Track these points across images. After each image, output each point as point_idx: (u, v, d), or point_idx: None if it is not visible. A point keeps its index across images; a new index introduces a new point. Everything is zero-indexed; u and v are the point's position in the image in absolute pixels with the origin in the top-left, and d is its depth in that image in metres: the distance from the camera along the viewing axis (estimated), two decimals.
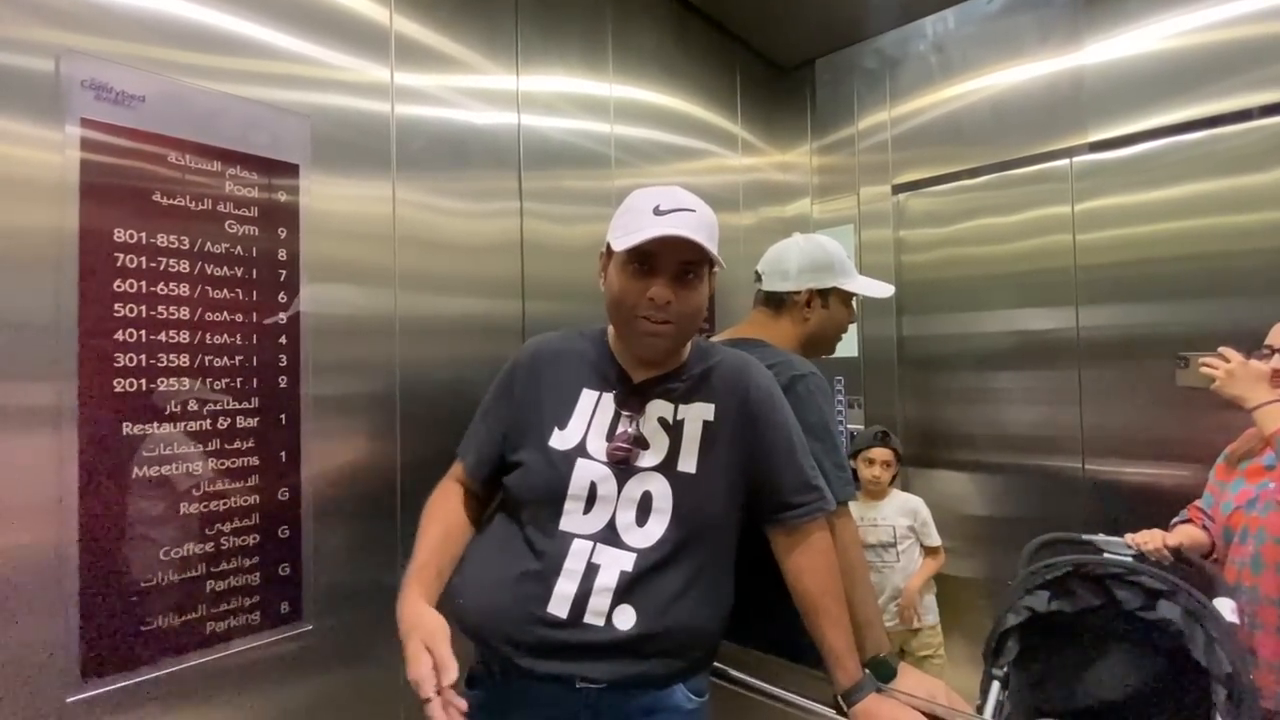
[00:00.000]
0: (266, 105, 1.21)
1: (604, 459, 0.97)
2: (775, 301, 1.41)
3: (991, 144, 2.28)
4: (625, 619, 0.90)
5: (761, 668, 1.17)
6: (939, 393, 2.47)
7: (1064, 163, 2.15)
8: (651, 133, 2.08)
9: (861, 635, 1.06)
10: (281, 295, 1.22)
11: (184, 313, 1.10)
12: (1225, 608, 1.25)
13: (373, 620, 1.29)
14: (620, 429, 0.99)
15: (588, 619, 0.90)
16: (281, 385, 1.22)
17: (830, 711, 1.03)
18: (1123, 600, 1.29)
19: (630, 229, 0.94)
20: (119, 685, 1.01)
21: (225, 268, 1.15)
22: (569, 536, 0.94)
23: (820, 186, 2.75)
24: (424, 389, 1.44)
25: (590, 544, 0.93)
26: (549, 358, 1.08)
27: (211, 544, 1.12)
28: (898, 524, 2.22)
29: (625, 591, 0.91)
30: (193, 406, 1.11)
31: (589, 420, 1.01)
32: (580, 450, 0.98)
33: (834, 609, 1.00)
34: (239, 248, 1.17)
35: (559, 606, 0.90)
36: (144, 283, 1.06)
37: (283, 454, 1.22)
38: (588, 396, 1.03)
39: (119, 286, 1.03)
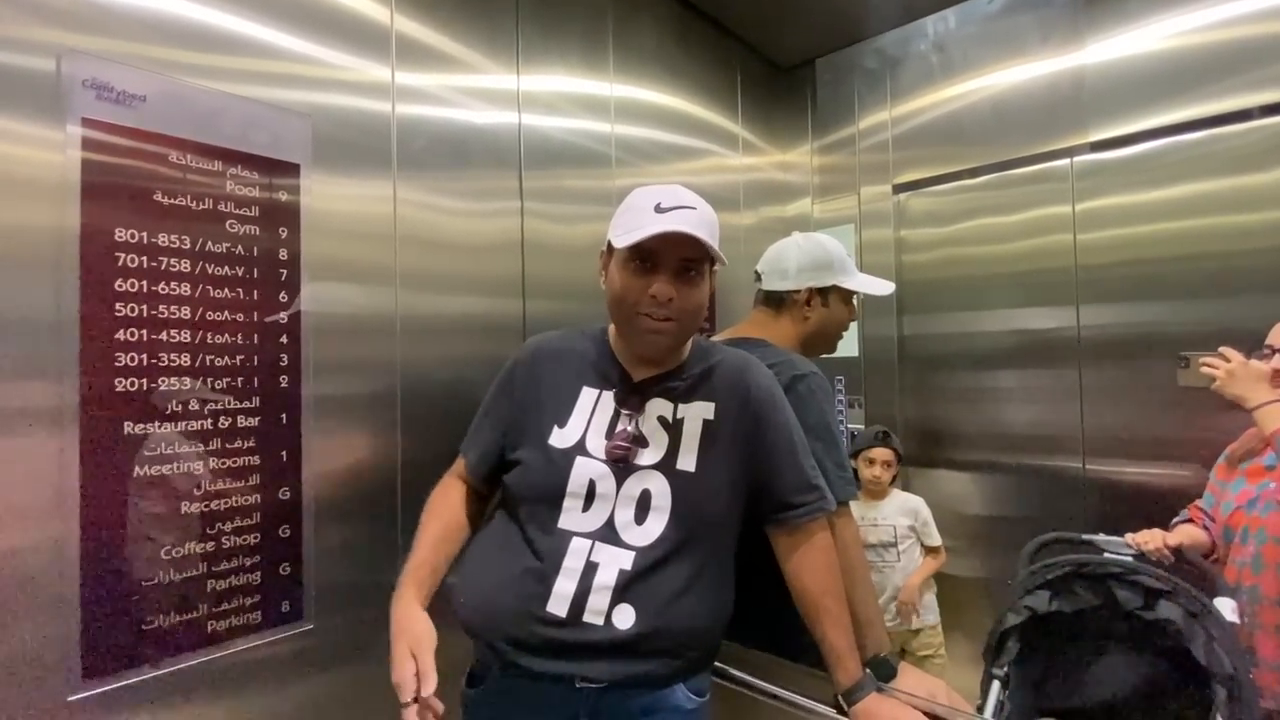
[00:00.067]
0: (267, 105, 1.21)
1: (603, 457, 0.97)
2: (775, 301, 1.41)
3: (992, 143, 2.28)
4: (624, 618, 0.90)
5: (762, 667, 1.17)
6: (940, 392, 2.47)
7: (1065, 162, 2.15)
8: (652, 132, 2.08)
9: (862, 635, 1.06)
10: (282, 295, 1.22)
11: (185, 312, 1.10)
12: (1226, 608, 1.25)
13: (373, 620, 1.27)
14: (620, 427, 0.99)
15: (587, 618, 0.90)
16: (282, 385, 1.22)
17: (831, 711, 1.03)
18: (1123, 600, 1.29)
19: (631, 227, 0.94)
20: (120, 684, 1.01)
21: (226, 267, 1.15)
22: (568, 535, 0.94)
23: (821, 186, 2.75)
24: (425, 388, 1.44)
25: (589, 542, 0.93)
26: (549, 356, 1.09)
27: (212, 543, 1.12)
28: (898, 524, 2.22)
29: (624, 590, 0.91)
30: (194, 406, 1.11)
31: (588, 418, 1.01)
32: (579, 448, 0.99)
33: (835, 608, 1.00)
34: (240, 247, 1.17)
35: (558, 605, 0.90)
36: (145, 282, 1.06)
37: (283, 453, 1.22)
38: (587, 395, 1.03)
39: (120, 286, 1.03)
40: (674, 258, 0.96)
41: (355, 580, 1.29)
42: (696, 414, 1.01)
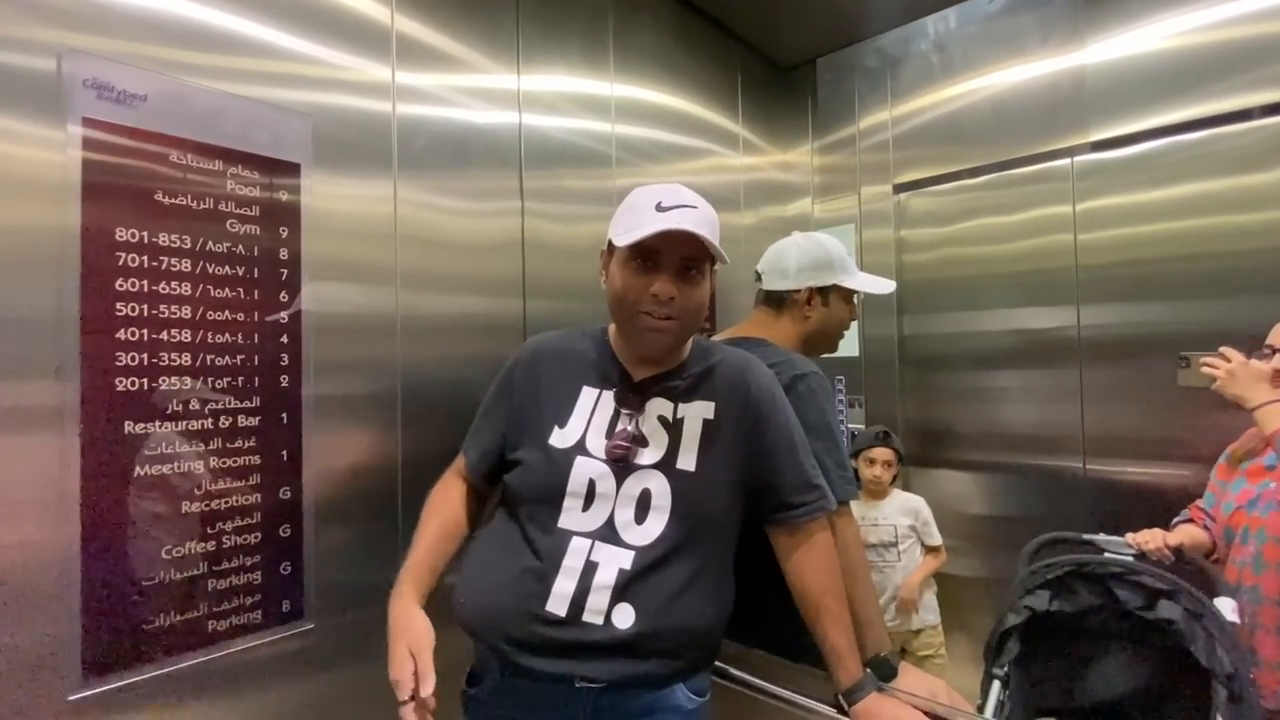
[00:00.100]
0: (268, 104, 1.21)
1: (603, 456, 0.97)
2: (776, 300, 1.41)
3: (993, 143, 2.28)
4: (624, 618, 0.90)
5: (762, 667, 1.17)
6: (940, 392, 2.47)
7: (1065, 162, 2.15)
8: (652, 132, 2.08)
9: (863, 634, 1.06)
10: (283, 294, 1.22)
11: (185, 312, 1.10)
12: (1226, 607, 1.25)
13: (374, 619, 1.27)
14: (619, 426, 0.99)
15: (586, 617, 0.90)
16: (283, 384, 1.22)
17: (831, 711, 1.03)
18: (1123, 600, 1.29)
19: (632, 225, 0.94)
20: (121, 684, 1.01)
21: (227, 267, 1.15)
22: (568, 534, 0.94)
23: (821, 186, 2.75)
24: (425, 388, 1.44)
25: (589, 541, 0.93)
26: (549, 356, 1.09)
27: (213, 543, 1.12)
28: (899, 523, 2.22)
29: (624, 589, 0.91)
30: (194, 405, 1.11)
31: (588, 418, 1.01)
32: (579, 448, 0.99)
33: (835, 608, 1.00)
34: (240, 247, 1.17)
35: (557, 605, 0.90)
36: (145, 281, 1.06)
37: (284, 453, 1.22)
38: (587, 394, 1.03)
39: (120, 285, 1.03)
40: (675, 256, 0.96)
41: (356, 580, 1.29)
42: (697, 413, 1.01)
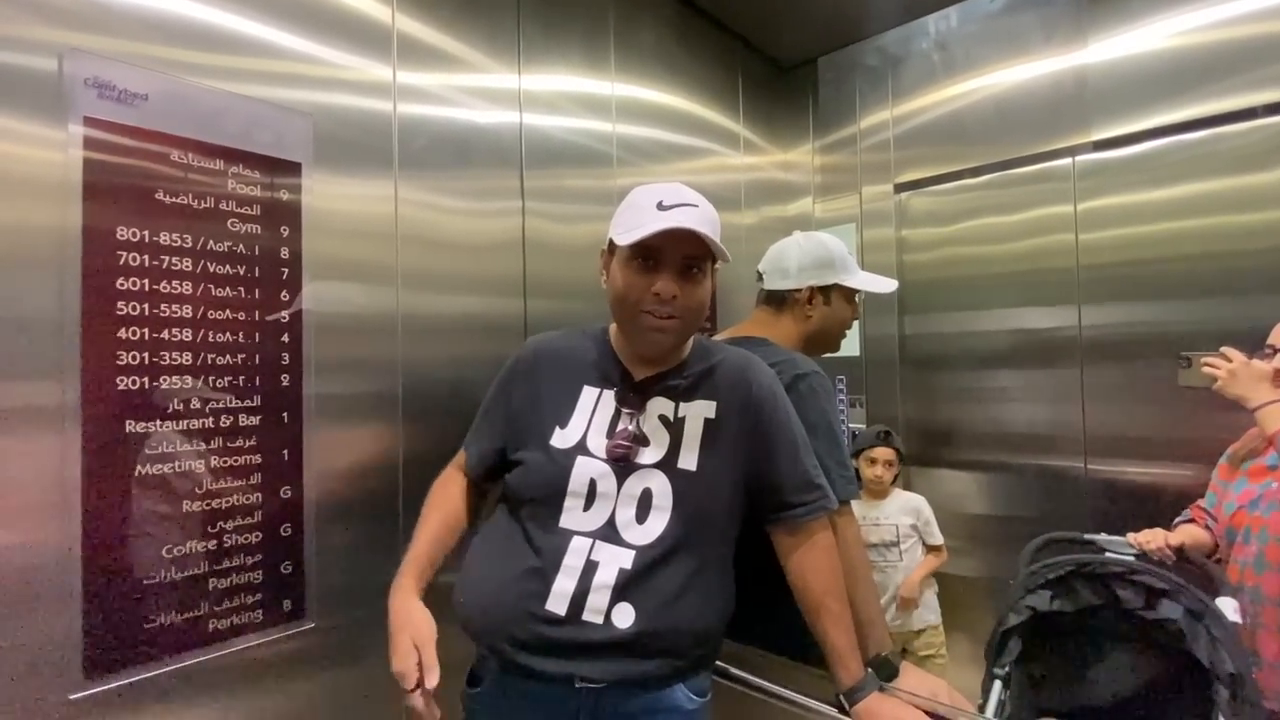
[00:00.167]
0: (269, 104, 1.21)
1: (604, 456, 0.97)
2: (777, 300, 1.41)
3: (994, 143, 2.28)
4: (624, 617, 0.90)
5: (763, 666, 1.17)
6: (941, 392, 2.47)
7: (1067, 161, 2.15)
8: (653, 131, 2.08)
9: (864, 634, 1.06)
10: (284, 294, 1.22)
11: (186, 311, 1.10)
12: (1228, 607, 1.25)
13: (375, 619, 1.27)
14: (620, 426, 0.99)
15: (586, 616, 0.90)
16: (284, 384, 1.22)
17: (832, 710, 1.03)
18: (1125, 600, 1.28)
19: (633, 225, 0.94)
20: (122, 683, 1.01)
21: (227, 266, 1.15)
22: (569, 533, 0.94)
23: (822, 185, 2.75)
24: (426, 387, 1.44)
25: (590, 541, 0.93)
26: (549, 356, 1.09)
27: (214, 542, 1.12)
28: (900, 523, 2.21)
29: (624, 589, 0.91)
30: (195, 404, 1.11)
31: (589, 418, 1.01)
32: (580, 447, 0.98)
33: (836, 608, 1.00)
34: (241, 246, 1.17)
35: (557, 604, 0.90)
36: (146, 281, 1.06)
37: (285, 452, 1.22)
38: (588, 394, 1.03)
39: (121, 284, 1.03)
40: (677, 255, 0.96)
41: (357, 579, 1.29)
42: (698, 413, 1.01)
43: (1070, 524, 1.71)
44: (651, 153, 2.07)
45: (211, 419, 1.13)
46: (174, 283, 1.09)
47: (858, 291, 1.44)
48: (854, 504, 1.21)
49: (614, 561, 0.92)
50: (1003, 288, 2.30)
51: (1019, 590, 1.38)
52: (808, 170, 2.76)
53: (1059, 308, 2.17)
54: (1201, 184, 1.91)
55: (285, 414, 1.22)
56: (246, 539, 1.16)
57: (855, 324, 1.49)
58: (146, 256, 1.06)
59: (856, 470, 2.17)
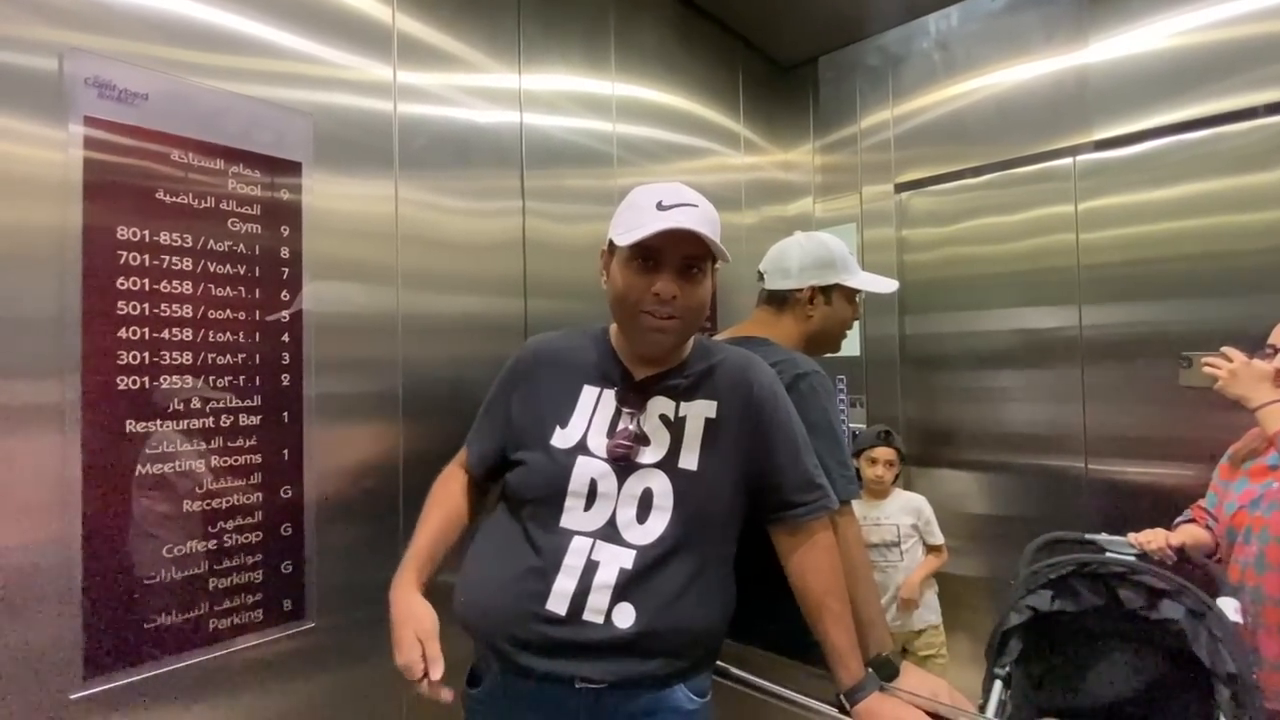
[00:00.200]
0: (269, 104, 1.21)
1: (604, 456, 0.97)
2: (778, 300, 1.41)
3: (995, 142, 2.28)
4: (624, 617, 0.90)
5: (764, 666, 1.17)
6: (942, 392, 2.47)
7: (1068, 161, 2.15)
8: (654, 131, 2.08)
9: (864, 634, 1.06)
10: (284, 293, 1.22)
11: (187, 310, 1.10)
12: (1229, 607, 1.25)
13: (375, 618, 1.27)
14: (621, 426, 0.99)
15: (586, 616, 0.89)
16: (284, 383, 1.22)
17: (833, 710, 1.03)
18: (1126, 600, 1.28)
19: (633, 225, 0.94)
20: (122, 682, 1.01)
21: (228, 265, 1.15)
22: (569, 533, 0.94)
23: (822, 185, 2.75)
24: (426, 387, 1.44)
25: (590, 541, 0.93)
26: (549, 356, 1.09)
27: (214, 542, 1.12)
28: (901, 523, 2.21)
29: (625, 589, 0.90)
30: (195, 404, 1.11)
31: (590, 417, 1.01)
32: (581, 447, 0.98)
33: (837, 608, 1.00)
34: (241, 245, 1.17)
35: (558, 603, 0.90)
36: (147, 280, 1.06)
37: (285, 452, 1.22)
38: (588, 394, 1.03)
39: (122, 284, 1.03)
40: (677, 255, 0.96)
41: (357, 579, 1.29)
42: (699, 412, 1.01)
43: (1071, 524, 1.71)
44: (652, 152, 2.06)
45: (212, 419, 1.13)
46: (174, 282, 1.09)
47: (859, 291, 1.44)
48: (855, 504, 1.21)
49: (614, 561, 0.92)
50: (1003, 287, 2.30)
51: (1020, 590, 1.38)
52: (808, 170, 2.76)
53: (1060, 307, 2.17)
54: (1202, 184, 1.91)
55: (285, 414, 1.22)
56: (247, 539, 1.16)
57: (856, 324, 1.49)
58: (147, 256, 1.06)
59: (857, 470, 2.17)
